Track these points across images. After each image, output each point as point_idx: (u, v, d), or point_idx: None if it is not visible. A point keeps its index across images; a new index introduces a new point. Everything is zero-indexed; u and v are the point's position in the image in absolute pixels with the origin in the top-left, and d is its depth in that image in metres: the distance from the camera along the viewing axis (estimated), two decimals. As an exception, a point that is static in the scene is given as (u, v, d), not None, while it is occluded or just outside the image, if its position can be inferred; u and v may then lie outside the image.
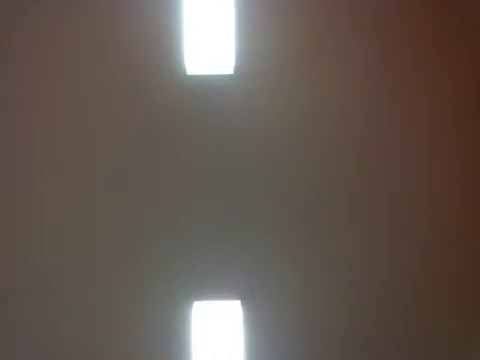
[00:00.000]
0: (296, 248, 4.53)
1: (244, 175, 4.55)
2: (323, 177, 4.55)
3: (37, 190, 4.54)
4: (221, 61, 4.58)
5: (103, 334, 4.50)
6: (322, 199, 4.54)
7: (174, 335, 4.50)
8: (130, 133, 4.57)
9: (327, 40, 4.60)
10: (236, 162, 4.56)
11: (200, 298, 4.52)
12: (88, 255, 4.52)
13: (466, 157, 4.56)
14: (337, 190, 4.54)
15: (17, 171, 4.55)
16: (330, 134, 4.57)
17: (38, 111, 4.57)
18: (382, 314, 4.51)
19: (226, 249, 4.53)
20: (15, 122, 4.57)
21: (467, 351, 4.51)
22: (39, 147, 4.56)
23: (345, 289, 4.52)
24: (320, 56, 4.59)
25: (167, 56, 4.59)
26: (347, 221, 4.53)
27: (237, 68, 4.58)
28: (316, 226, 4.53)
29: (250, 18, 4.59)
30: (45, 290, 4.51)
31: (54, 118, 4.57)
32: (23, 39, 4.59)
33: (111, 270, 4.51)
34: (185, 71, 4.58)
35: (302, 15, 4.61)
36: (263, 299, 4.52)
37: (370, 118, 4.58)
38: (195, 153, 4.56)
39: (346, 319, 4.52)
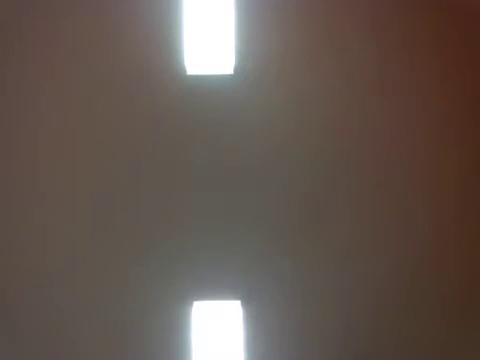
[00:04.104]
0: (296, 248, 4.53)
1: (244, 175, 4.55)
2: (323, 176, 4.55)
3: (36, 190, 4.54)
4: (221, 61, 4.58)
5: (102, 334, 4.50)
6: (322, 199, 4.54)
7: (174, 335, 4.50)
8: (130, 133, 4.57)
9: (327, 40, 4.60)
10: (236, 162, 4.56)
11: (200, 298, 4.52)
12: (88, 255, 4.52)
13: (465, 156, 4.56)
14: (337, 190, 4.54)
15: (16, 171, 4.55)
16: (330, 134, 4.57)
17: (36, 111, 4.57)
18: (382, 314, 4.51)
19: (226, 249, 4.53)
20: (14, 122, 4.57)
21: (466, 351, 4.50)
22: (38, 147, 4.56)
23: (345, 289, 4.52)
24: (320, 56, 4.59)
25: (167, 56, 4.59)
26: (347, 221, 4.53)
27: (237, 68, 4.58)
28: (316, 226, 4.53)
29: (250, 18, 4.59)
30: (45, 290, 4.51)
31: (53, 118, 4.57)
32: (22, 39, 4.59)
33: (111, 270, 4.51)
34: (185, 71, 4.58)
35: (302, 15, 4.61)
36: (263, 299, 4.52)
37: (370, 117, 4.58)
38: (195, 153, 4.56)
39: (346, 319, 4.52)
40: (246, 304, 4.51)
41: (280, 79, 4.58)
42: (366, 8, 4.61)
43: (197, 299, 4.51)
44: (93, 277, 4.51)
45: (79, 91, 4.58)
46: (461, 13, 4.61)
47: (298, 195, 4.54)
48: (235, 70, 4.58)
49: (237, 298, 4.52)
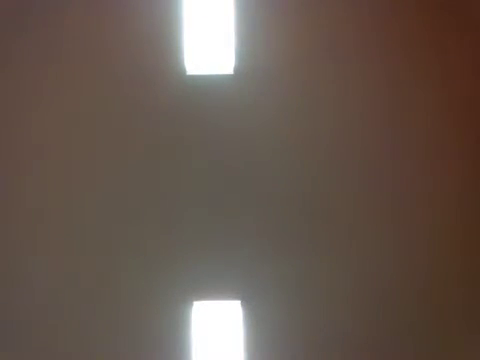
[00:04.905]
0: (296, 248, 4.53)
1: (244, 175, 4.55)
2: (323, 177, 4.55)
3: (36, 190, 4.54)
4: (221, 61, 4.59)
5: (103, 334, 4.50)
6: (322, 199, 4.54)
7: (174, 335, 4.50)
8: (130, 133, 4.57)
9: (327, 40, 4.60)
10: (236, 162, 4.56)
11: (200, 298, 4.52)
12: (88, 255, 4.52)
13: (466, 157, 4.57)
14: (337, 190, 4.54)
15: (16, 171, 4.55)
16: (330, 134, 4.57)
17: (36, 110, 4.57)
18: (382, 314, 4.51)
19: (226, 249, 4.53)
20: (14, 121, 4.57)
21: (466, 351, 4.51)
22: (37, 146, 4.56)
23: (345, 289, 4.52)
24: (320, 56, 4.59)
25: (167, 56, 4.59)
26: (347, 221, 4.53)
27: (237, 68, 4.58)
28: (316, 226, 4.53)
29: (250, 18, 4.59)
30: (45, 290, 4.51)
31: (53, 117, 4.57)
32: (22, 38, 4.59)
33: (111, 270, 4.51)
34: (185, 71, 4.58)
35: (302, 15, 4.61)
36: (263, 299, 4.52)
37: (370, 118, 4.58)
38: (195, 153, 4.56)
39: (346, 319, 4.52)
40: (246, 304, 4.52)
41: (280, 79, 4.58)
42: (366, 8, 4.61)
43: (197, 299, 4.51)
44: (93, 277, 4.51)
45: (79, 91, 4.58)
46: (461, 12, 4.61)
47: (298, 195, 4.54)
48: (235, 70, 4.58)
49: (237, 298, 4.52)
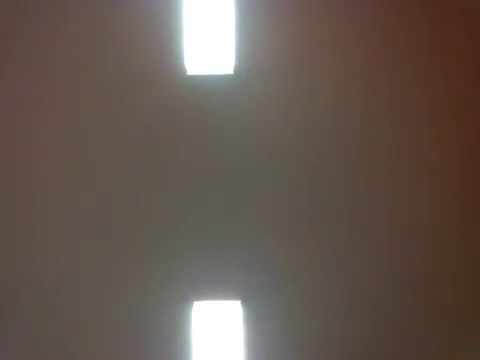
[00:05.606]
0: (296, 248, 4.53)
1: (244, 175, 4.55)
2: (323, 177, 4.55)
3: (37, 190, 4.54)
4: (221, 61, 4.59)
5: (103, 334, 4.50)
6: (323, 199, 4.54)
7: (174, 335, 4.50)
8: (130, 133, 4.57)
9: (327, 40, 4.60)
10: (236, 162, 4.56)
11: (200, 298, 4.52)
12: (88, 255, 4.52)
13: (466, 155, 4.56)
14: (338, 189, 4.54)
15: (16, 171, 4.55)
16: (330, 133, 4.57)
17: (37, 110, 4.57)
18: (382, 314, 4.51)
19: (226, 249, 4.53)
20: (13, 121, 4.57)
21: (466, 351, 4.51)
22: (38, 146, 4.56)
23: (345, 289, 4.52)
24: (320, 56, 4.59)
25: (167, 56, 4.59)
26: (347, 221, 4.53)
27: (237, 68, 4.58)
28: (316, 226, 4.53)
29: (250, 18, 4.59)
30: (45, 289, 4.51)
31: (53, 117, 4.57)
32: (22, 38, 4.59)
33: (111, 270, 4.51)
34: (185, 71, 4.58)
35: (302, 15, 4.61)
36: (263, 299, 4.52)
37: (370, 117, 4.58)
38: (195, 153, 4.56)
39: (346, 319, 4.52)
40: (246, 304, 4.52)
41: (280, 79, 4.58)
42: (366, 8, 4.61)
43: (197, 299, 4.51)
44: (93, 277, 4.51)
45: (79, 91, 4.58)
46: (461, 10, 4.61)
47: (298, 195, 4.54)
48: (235, 70, 4.58)
49: (237, 298, 4.52)
